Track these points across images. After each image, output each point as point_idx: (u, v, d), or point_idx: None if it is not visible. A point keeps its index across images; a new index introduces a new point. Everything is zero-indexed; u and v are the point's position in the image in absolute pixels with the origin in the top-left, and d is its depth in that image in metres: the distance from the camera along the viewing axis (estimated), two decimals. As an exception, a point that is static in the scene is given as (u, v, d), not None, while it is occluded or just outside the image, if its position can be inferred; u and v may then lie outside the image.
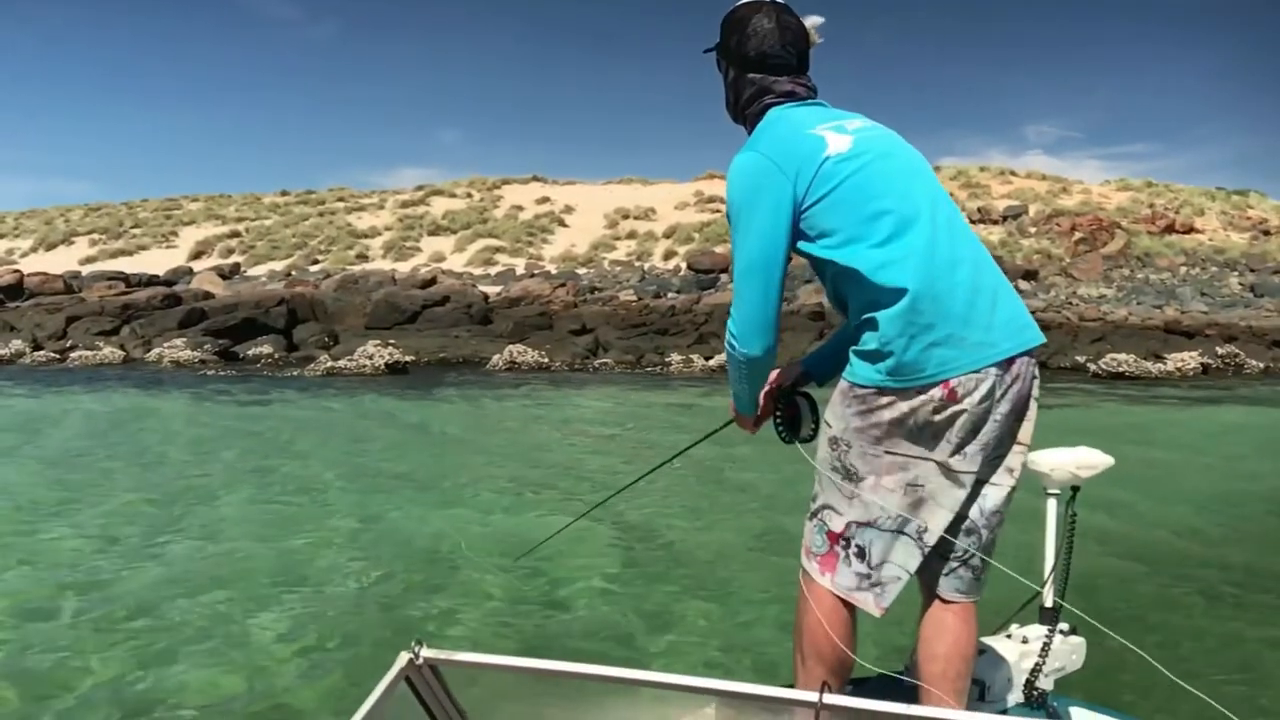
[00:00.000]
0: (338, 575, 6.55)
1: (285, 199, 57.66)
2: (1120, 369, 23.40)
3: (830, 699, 1.61)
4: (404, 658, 1.76)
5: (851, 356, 2.51)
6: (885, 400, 2.44)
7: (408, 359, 24.25)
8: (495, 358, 25.04)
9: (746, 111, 2.70)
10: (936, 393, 2.40)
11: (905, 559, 2.49)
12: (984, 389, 2.42)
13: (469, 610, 5.82)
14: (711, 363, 25.01)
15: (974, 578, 2.59)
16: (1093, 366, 23.91)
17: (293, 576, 6.47)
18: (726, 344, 2.58)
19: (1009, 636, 2.94)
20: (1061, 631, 2.92)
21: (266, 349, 26.03)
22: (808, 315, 28.11)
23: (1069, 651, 2.96)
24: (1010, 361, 2.46)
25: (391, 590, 6.21)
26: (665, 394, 19.52)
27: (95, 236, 51.43)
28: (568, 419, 15.94)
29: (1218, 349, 25.90)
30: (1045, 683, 2.84)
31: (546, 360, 25.09)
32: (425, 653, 1.76)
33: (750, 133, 2.66)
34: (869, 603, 2.51)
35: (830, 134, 2.52)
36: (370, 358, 23.10)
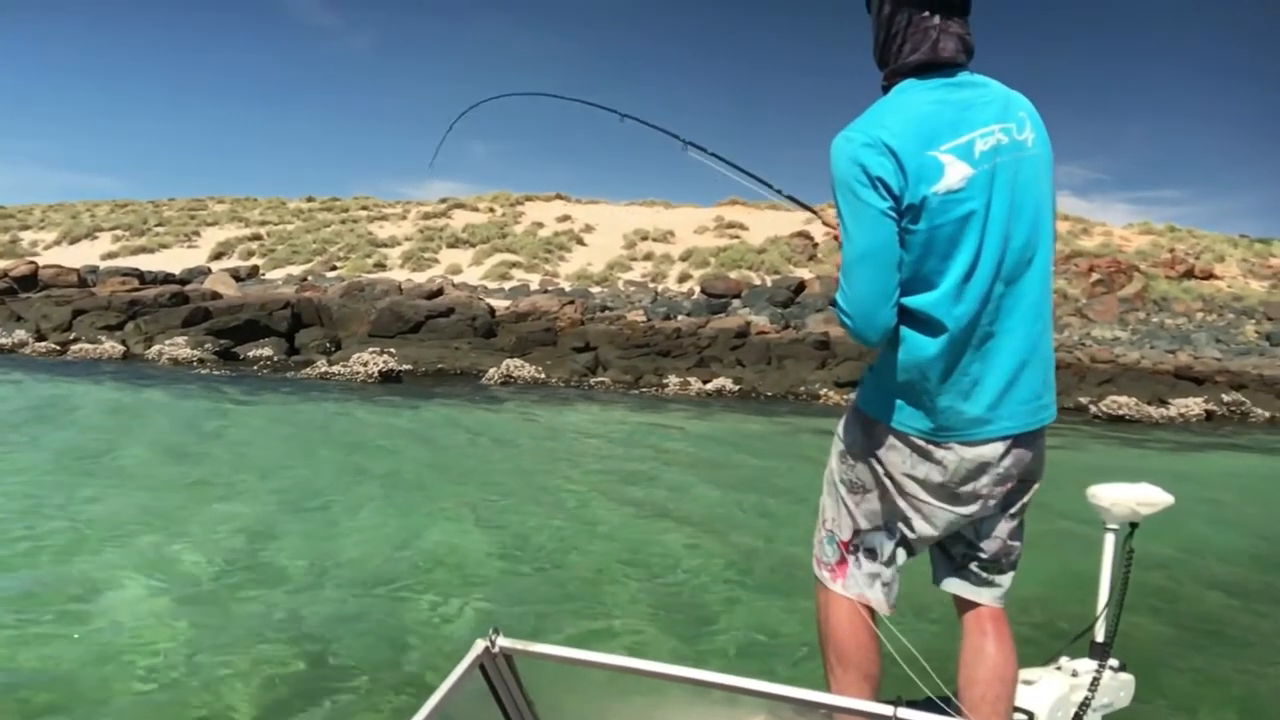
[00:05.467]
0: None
1: (310, 205, 57.99)
2: (1120, 411, 23.03)
3: (905, 713, 1.64)
4: (479, 645, 1.78)
5: (864, 376, 2.67)
6: (883, 433, 2.58)
7: (404, 368, 24.22)
8: (492, 371, 24.93)
9: (888, 66, 2.56)
10: (928, 448, 2.52)
11: (902, 559, 2.69)
12: (973, 453, 2.50)
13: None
14: (709, 387, 24.81)
15: (988, 581, 2.69)
16: (1093, 408, 23.55)
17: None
18: (840, 321, 2.51)
19: (1059, 669, 2.95)
20: (1111, 668, 2.95)
21: (267, 351, 25.95)
22: (813, 344, 27.92)
23: (1118, 688, 2.99)
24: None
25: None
26: (651, 415, 19.37)
27: (119, 233, 51.80)
28: (537, 435, 15.85)
29: (1223, 396, 25.46)
30: (1093, 718, 2.86)
31: (543, 375, 24.97)
32: (501, 641, 1.79)
33: (883, 90, 2.55)
34: (881, 601, 2.65)
35: (951, 160, 2.39)
36: (365, 364, 23.08)
